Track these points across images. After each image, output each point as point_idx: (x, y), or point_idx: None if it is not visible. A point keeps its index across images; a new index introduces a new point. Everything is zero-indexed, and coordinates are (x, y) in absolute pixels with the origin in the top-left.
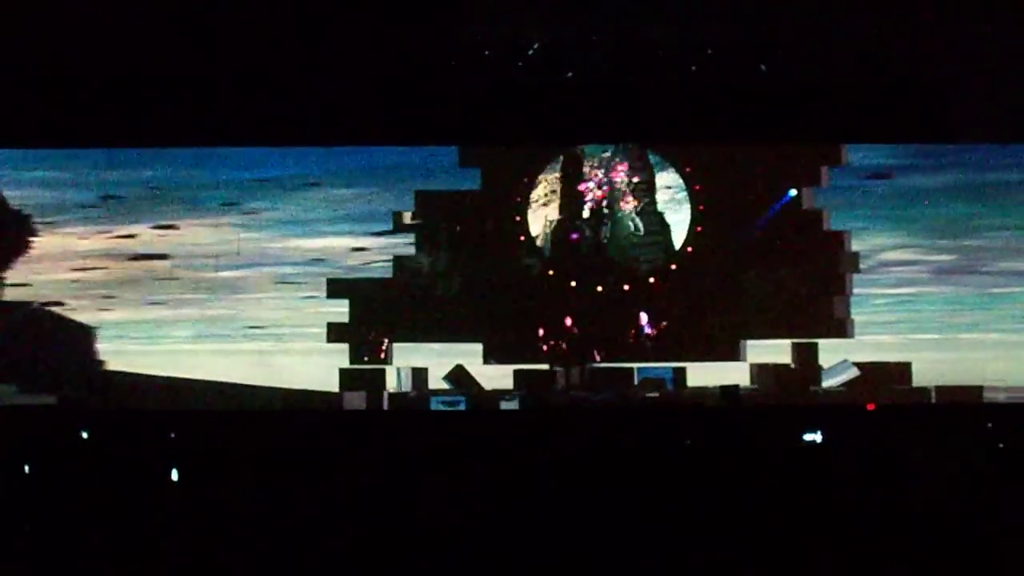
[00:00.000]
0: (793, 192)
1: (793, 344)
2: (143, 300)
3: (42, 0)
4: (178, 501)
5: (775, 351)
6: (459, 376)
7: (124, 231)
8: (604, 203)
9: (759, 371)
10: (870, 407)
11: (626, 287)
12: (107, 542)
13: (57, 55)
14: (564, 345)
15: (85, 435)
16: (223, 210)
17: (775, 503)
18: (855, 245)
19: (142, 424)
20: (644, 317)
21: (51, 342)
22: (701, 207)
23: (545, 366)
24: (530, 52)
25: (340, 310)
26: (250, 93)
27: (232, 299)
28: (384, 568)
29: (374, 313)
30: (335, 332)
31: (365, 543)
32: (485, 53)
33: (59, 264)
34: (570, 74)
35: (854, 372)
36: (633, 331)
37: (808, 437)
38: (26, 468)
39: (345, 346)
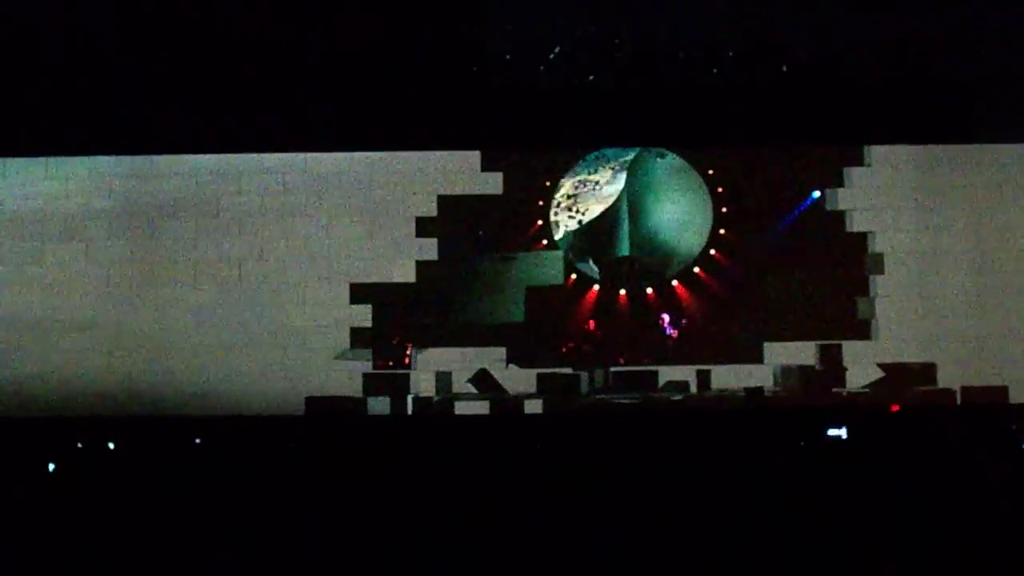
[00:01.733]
0: (816, 194)
1: (817, 345)
2: (170, 303)
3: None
4: (199, 508)
5: (799, 353)
6: (483, 380)
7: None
8: (627, 207)
9: (783, 373)
10: (895, 408)
11: (650, 290)
12: (126, 548)
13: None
14: (587, 348)
15: (111, 445)
16: (247, 214)
17: (799, 505)
18: (878, 246)
19: (166, 430)
20: (667, 319)
21: None
22: (724, 209)
23: (569, 370)
24: (551, 56)
25: (364, 315)
26: (273, 99)
27: (255, 303)
28: (406, 571)
29: (397, 318)
30: (359, 337)
31: (387, 547)
32: (507, 58)
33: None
34: (591, 78)
35: (878, 373)
36: (657, 334)
37: (832, 432)
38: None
39: (369, 351)
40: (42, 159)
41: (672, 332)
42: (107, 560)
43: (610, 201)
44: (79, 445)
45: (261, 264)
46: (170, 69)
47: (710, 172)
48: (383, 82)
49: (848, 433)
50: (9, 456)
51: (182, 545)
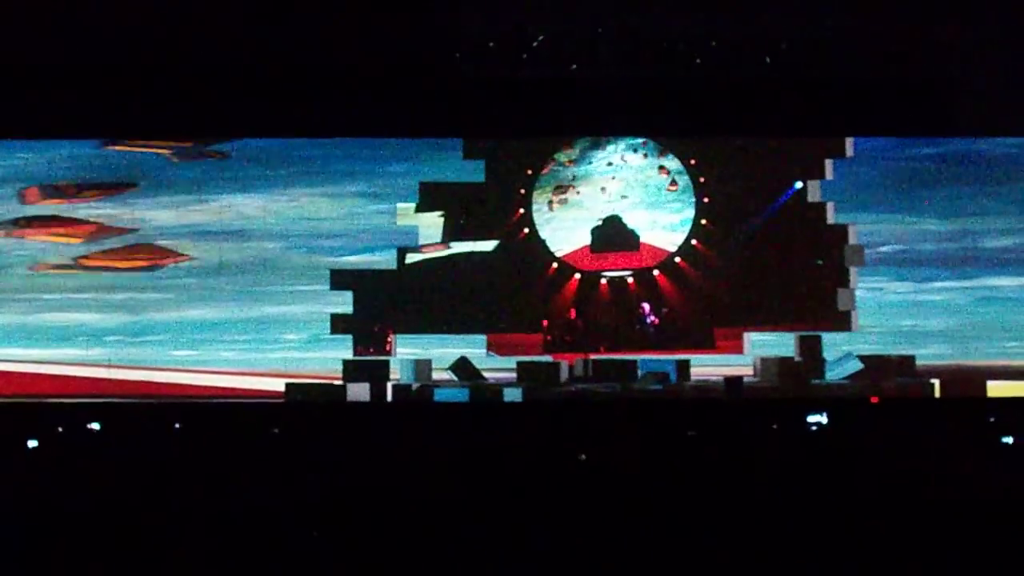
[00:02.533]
0: (798, 185)
1: (797, 336)
2: (150, 295)
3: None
4: (181, 493)
5: (779, 343)
6: (463, 368)
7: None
8: (608, 195)
9: (763, 363)
10: (874, 400)
11: (630, 280)
12: (106, 536)
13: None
14: (568, 337)
15: (96, 426)
16: (228, 202)
17: (779, 496)
18: (859, 238)
19: (145, 415)
20: (647, 308)
21: None
22: (706, 199)
23: (549, 358)
24: (534, 45)
25: (344, 302)
26: (255, 86)
27: (236, 291)
28: (387, 561)
29: (378, 305)
30: (339, 323)
31: (367, 536)
32: (490, 45)
33: None
34: (575, 67)
35: (858, 365)
36: (637, 323)
37: (812, 419)
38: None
39: (349, 337)
40: None
41: (653, 320)
42: (86, 546)
43: (593, 189)
44: (59, 429)
45: (242, 250)
46: (155, 56)
47: (692, 162)
48: (365, 69)
49: (828, 421)
50: None
51: (161, 529)
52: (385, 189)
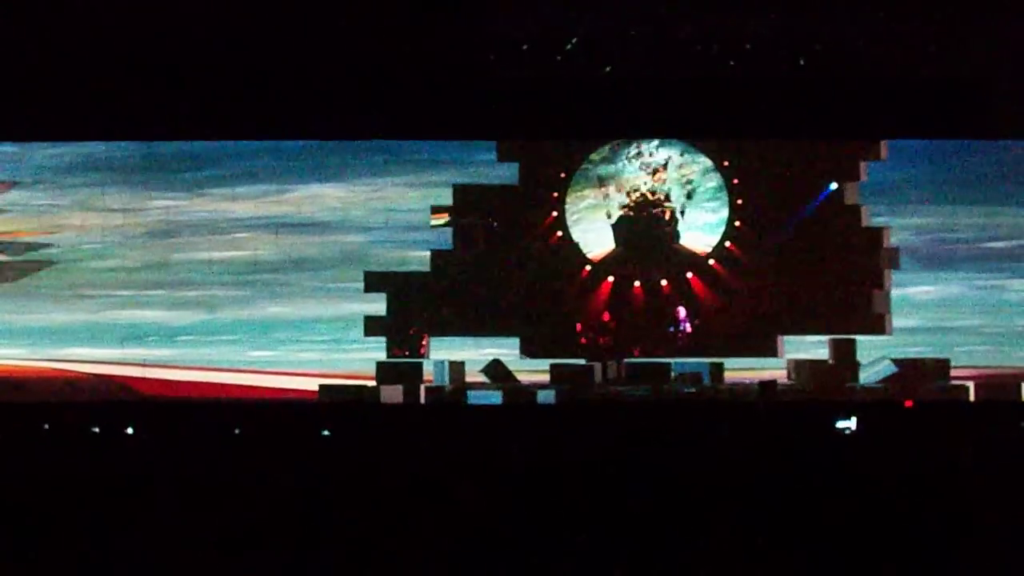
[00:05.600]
0: (833, 186)
1: (831, 340)
2: (180, 296)
3: None
4: (210, 492)
5: (813, 347)
6: (496, 370)
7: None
8: (642, 199)
9: (796, 367)
10: (908, 404)
11: (664, 282)
12: (136, 531)
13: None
14: (601, 340)
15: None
16: (260, 204)
17: (811, 499)
18: (894, 240)
19: (176, 415)
20: (682, 312)
21: None
22: (740, 202)
23: (582, 361)
24: (568, 47)
25: (378, 304)
26: (289, 87)
27: (270, 293)
28: (418, 562)
29: (412, 307)
30: (373, 326)
31: (399, 537)
32: (523, 48)
33: None
34: (608, 69)
35: (892, 369)
36: (670, 326)
37: (841, 424)
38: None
39: (383, 339)
40: None
41: (687, 325)
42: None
43: (626, 192)
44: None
45: (277, 251)
46: (191, 57)
47: (725, 164)
48: (400, 71)
49: (859, 425)
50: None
51: (193, 525)
52: (419, 191)
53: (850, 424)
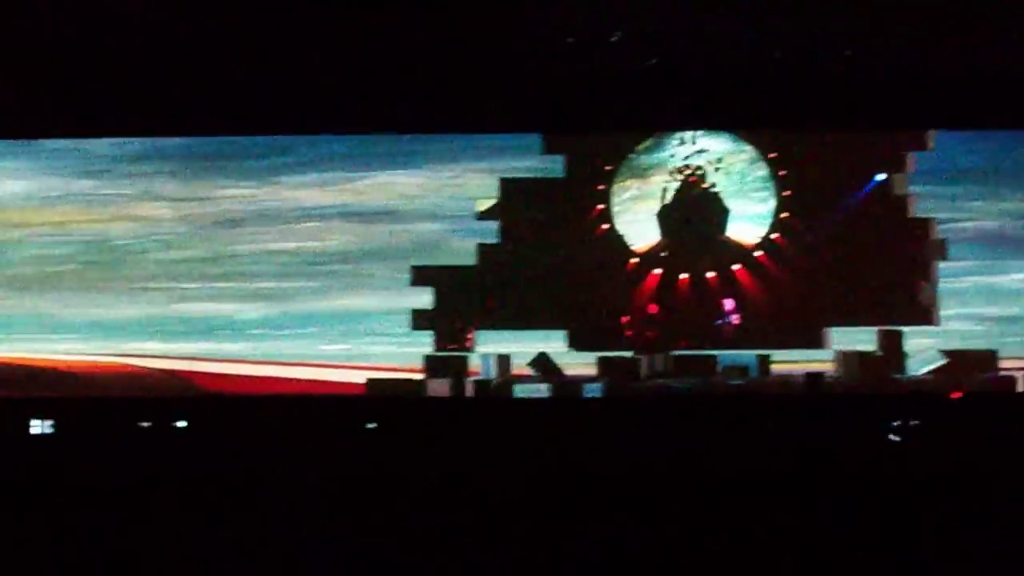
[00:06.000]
0: (880, 177)
1: (879, 331)
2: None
3: None
4: (259, 485)
5: (860, 338)
6: (542, 363)
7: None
8: (688, 190)
9: (844, 358)
10: (955, 395)
11: (711, 274)
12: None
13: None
14: (648, 332)
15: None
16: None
17: (859, 490)
18: (942, 231)
19: (223, 409)
20: (729, 304)
21: None
22: (787, 193)
23: (629, 354)
24: (613, 39)
25: (425, 297)
26: (332, 81)
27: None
28: (465, 554)
29: (459, 300)
30: (420, 319)
31: (446, 529)
32: (569, 40)
33: None
34: (654, 61)
35: (939, 360)
36: (717, 318)
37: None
38: None
39: (430, 333)
40: None
41: (734, 317)
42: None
43: (674, 184)
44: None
45: (323, 246)
46: (254, 53)
47: (772, 155)
48: (444, 65)
49: (908, 418)
50: None
51: (240, 524)
52: (464, 184)
53: (899, 437)
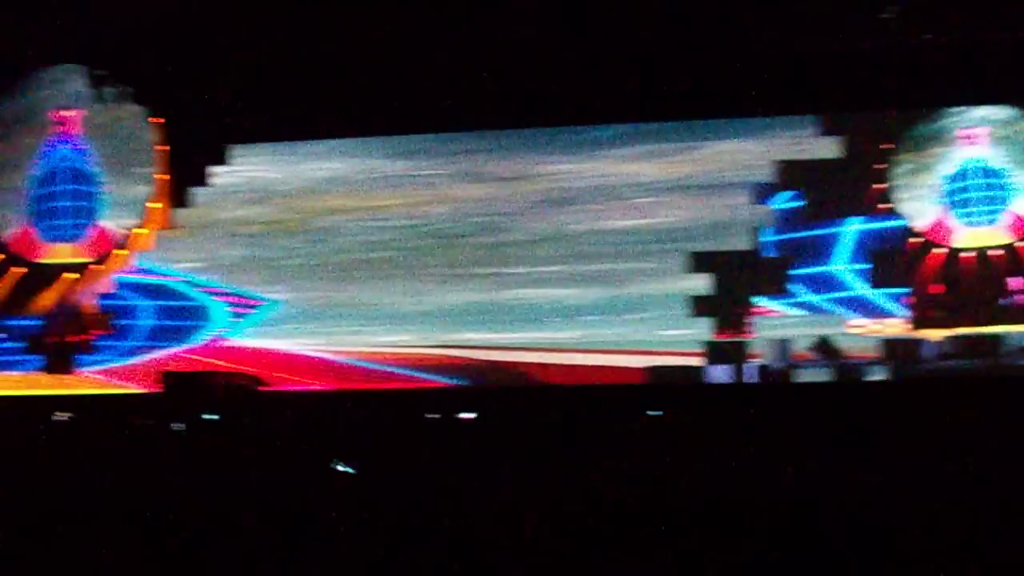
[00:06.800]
0: None
1: None
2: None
3: None
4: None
5: None
6: (824, 347)
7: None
8: (969, 165)
9: None
10: None
11: (997, 251)
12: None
13: None
14: (931, 312)
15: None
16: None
17: None
18: None
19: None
20: (1016, 282)
21: None
22: None
23: (912, 335)
24: (884, 16)
25: (702, 283)
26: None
27: (586, 270)
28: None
29: (736, 285)
30: (698, 304)
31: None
32: (840, 19)
33: None
34: (928, 36)
35: None
36: (1004, 297)
37: None
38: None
39: (707, 319)
40: None
41: (1021, 293)
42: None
43: (955, 162)
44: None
45: (599, 235)
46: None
47: None
48: (717, 51)
49: None
50: None
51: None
52: (739, 167)
53: None
